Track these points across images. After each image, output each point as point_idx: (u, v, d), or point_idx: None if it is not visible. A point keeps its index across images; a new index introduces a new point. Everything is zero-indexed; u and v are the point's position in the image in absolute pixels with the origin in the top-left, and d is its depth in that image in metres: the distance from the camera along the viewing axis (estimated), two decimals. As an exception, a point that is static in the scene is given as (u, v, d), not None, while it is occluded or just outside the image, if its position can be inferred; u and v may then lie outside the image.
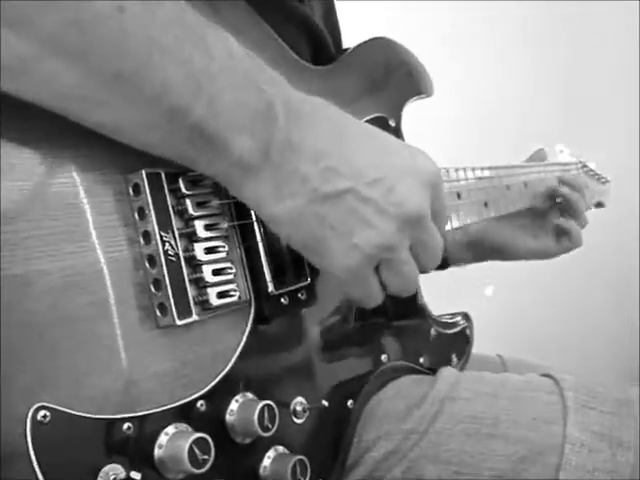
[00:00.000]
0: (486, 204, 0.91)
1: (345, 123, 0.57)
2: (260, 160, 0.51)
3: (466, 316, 0.85)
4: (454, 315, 0.85)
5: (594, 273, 2.30)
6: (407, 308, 0.77)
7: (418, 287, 0.78)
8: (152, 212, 0.51)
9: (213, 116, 0.48)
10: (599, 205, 1.29)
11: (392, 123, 0.80)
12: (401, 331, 0.75)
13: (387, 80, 0.80)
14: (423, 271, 0.60)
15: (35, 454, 0.42)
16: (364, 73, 0.77)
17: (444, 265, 1.06)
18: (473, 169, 0.90)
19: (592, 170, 1.27)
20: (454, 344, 0.82)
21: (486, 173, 0.92)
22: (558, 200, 1.06)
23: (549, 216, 1.06)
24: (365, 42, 0.79)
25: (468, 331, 0.84)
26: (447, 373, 0.72)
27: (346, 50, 0.78)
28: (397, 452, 0.66)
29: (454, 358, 0.81)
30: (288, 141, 0.51)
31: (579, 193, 1.05)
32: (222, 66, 0.49)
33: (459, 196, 0.86)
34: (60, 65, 0.44)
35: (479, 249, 1.05)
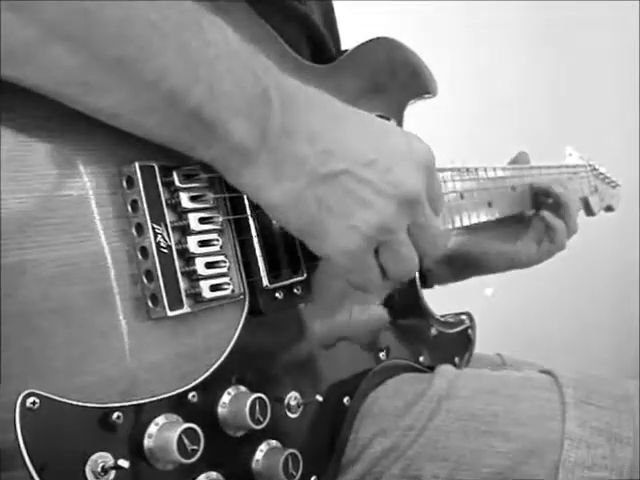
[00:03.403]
0: (490, 204, 0.91)
1: (338, 109, 0.58)
2: (257, 144, 0.52)
3: (469, 316, 0.85)
4: (457, 315, 0.85)
5: (593, 272, 2.29)
6: (408, 306, 0.77)
7: (419, 287, 0.79)
8: (145, 204, 0.51)
9: (211, 101, 0.49)
10: (609, 209, 1.28)
11: (394, 122, 0.80)
12: (401, 329, 0.75)
13: (390, 80, 0.80)
14: (422, 257, 0.60)
15: (24, 440, 0.43)
16: (366, 72, 0.78)
17: (428, 284, 0.99)
18: (477, 169, 0.89)
19: (602, 173, 1.26)
20: (456, 344, 0.81)
21: (491, 174, 0.92)
22: (549, 201, 0.99)
23: (532, 222, 0.99)
24: (368, 41, 0.79)
25: (470, 331, 0.84)
26: (445, 370, 0.72)
27: (345, 51, 0.78)
28: (395, 449, 0.66)
29: (456, 358, 0.80)
30: (284, 125, 0.52)
31: (572, 195, 1.00)
32: (219, 51, 0.49)
33: (462, 196, 0.86)
34: (63, 50, 0.44)
35: (458, 264, 0.99)
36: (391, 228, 0.56)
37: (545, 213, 0.97)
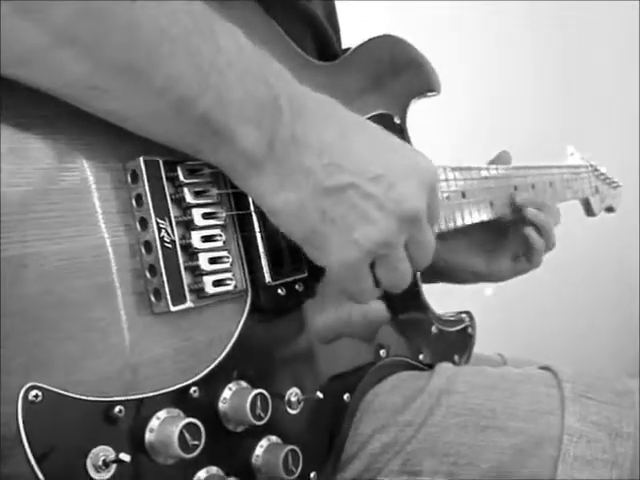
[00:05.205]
0: (492, 203, 0.90)
1: (347, 120, 0.58)
2: (265, 152, 0.52)
3: (469, 315, 0.85)
4: (457, 314, 0.85)
5: (594, 272, 2.30)
6: (409, 304, 0.77)
7: (419, 285, 0.79)
8: (149, 199, 0.51)
9: (221, 107, 0.49)
10: (609, 209, 1.28)
11: (397, 120, 0.80)
12: (401, 327, 0.75)
13: (393, 77, 0.80)
14: (415, 270, 0.61)
15: (26, 433, 0.43)
16: (370, 70, 0.78)
17: None
18: (479, 168, 0.89)
19: (603, 174, 1.26)
20: (456, 342, 0.81)
21: (493, 172, 0.92)
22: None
23: (512, 237, 0.94)
24: (372, 39, 0.79)
25: (470, 329, 0.84)
26: (445, 366, 0.73)
27: (348, 48, 0.78)
28: (394, 445, 0.66)
29: (455, 356, 0.81)
30: (292, 135, 0.52)
31: (544, 211, 0.92)
32: (231, 59, 0.49)
33: (464, 195, 0.86)
34: (72, 55, 0.44)
35: (427, 272, 0.84)
36: (390, 244, 0.56)
37: (529, 231, 0.91)
